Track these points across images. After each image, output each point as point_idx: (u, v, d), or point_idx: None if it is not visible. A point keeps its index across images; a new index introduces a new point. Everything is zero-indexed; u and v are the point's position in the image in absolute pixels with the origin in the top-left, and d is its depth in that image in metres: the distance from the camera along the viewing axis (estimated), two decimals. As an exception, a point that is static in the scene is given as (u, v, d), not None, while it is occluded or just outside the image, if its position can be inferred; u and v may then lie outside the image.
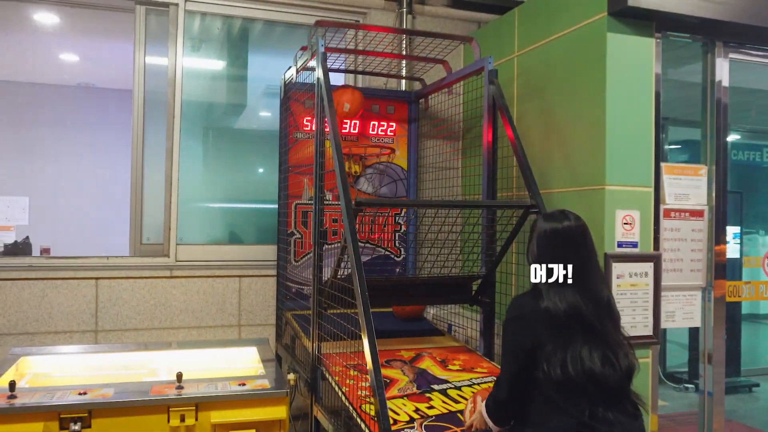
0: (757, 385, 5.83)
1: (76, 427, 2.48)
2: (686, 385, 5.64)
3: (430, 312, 4.01)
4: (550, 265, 2.06)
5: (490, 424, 2.20)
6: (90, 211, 6.71)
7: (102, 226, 6.35)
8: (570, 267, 2.04)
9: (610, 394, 2.00)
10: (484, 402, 2.25)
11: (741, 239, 5.94)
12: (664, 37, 3.29)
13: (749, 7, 3.27)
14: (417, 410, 2.54)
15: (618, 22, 3.10)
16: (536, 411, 2.02)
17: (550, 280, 2.04)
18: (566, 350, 1.97)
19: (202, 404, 2.62)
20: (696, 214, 3.32)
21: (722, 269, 3.47)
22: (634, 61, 3.14)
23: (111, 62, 6.02)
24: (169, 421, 2.58)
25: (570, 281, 2.03)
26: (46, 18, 4.80)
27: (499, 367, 2.28)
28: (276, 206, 4.08)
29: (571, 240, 2.09)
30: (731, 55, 3.50)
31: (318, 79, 3.03)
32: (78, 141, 6.83)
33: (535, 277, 2.08)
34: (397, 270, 4.17)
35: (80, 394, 2.58)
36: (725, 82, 3.49)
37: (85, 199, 6.77)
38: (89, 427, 2.51)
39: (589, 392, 1.97)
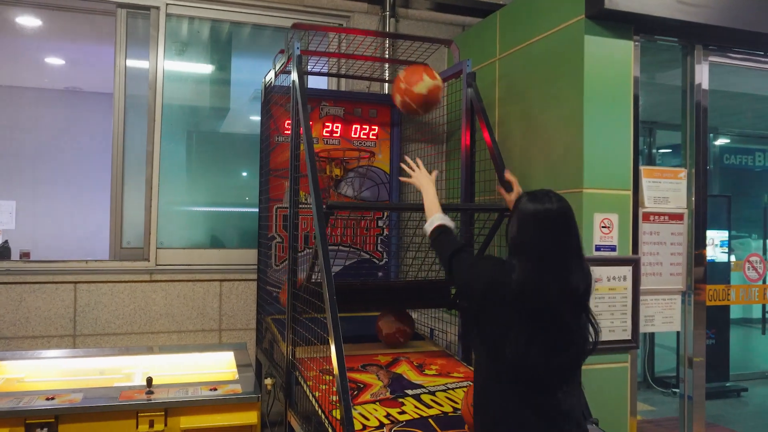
0: (746, 390, 5.80)
1: (43, 433, 2.47)
2: (674, 389, 5.62)
3: (413, 316, 3.98)
4: (527, 248, 1.97)
5: (426, 234, 2.33)
6: (72, 215, 6.68)
7: (83, 231, 6.32)
8: (547, 251, 1.95)
9: (567, 378, 1.98)
10: (436, 223, 2.35)
11: (729, 244, 5.93)
12: (643, 40, 3.28)
13: (728, 11, 3.26)
14: (388, 415, 2.51)
15: (596, 25, 3.09)
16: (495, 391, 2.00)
17: (526, 263, 1.95)
18: (533, 337, 1.90)
19: (171, 409, 2.60)
20: (675, 217, 3.30)
21: (703, 273, 3.45)
22: (612, 64, 3.13)
23: (98, 66, 6.00)
24: (137, 427, 2.56)
25: (546, 266, 1.94)
26: (29, 21, 4.78)
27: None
28: (257, 210, 4.06)
29: (553, 222, 1.98)
30: (711, 58, 3.49)
31: (293, 81, 3.01)
32: (64, 145, 6.81)
33: (512, 258, 2.00)
34: (379, 274, 4.15)
35: (48, 399, 2.56)
36: (705, 85, 3.48)
37: (67, 203, 6.74)
38: (56, 432, 2.49)
39: (541, 383, 1.94)
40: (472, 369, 3.10)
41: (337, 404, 2.43)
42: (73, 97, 6.90)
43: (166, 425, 2.58)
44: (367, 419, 2.46)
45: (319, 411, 2.51)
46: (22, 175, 6.72)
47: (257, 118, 4.22)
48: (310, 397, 2.66)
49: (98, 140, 6.46)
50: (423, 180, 2.59)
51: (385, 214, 4.13)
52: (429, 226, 2.38)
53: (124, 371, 3.27)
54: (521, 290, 1.92)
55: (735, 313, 7.11)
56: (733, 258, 5.94)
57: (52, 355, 3.37)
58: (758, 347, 7.28)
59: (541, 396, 1.94)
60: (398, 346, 3.38)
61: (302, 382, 2.82)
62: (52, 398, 2.56)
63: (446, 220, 2.38)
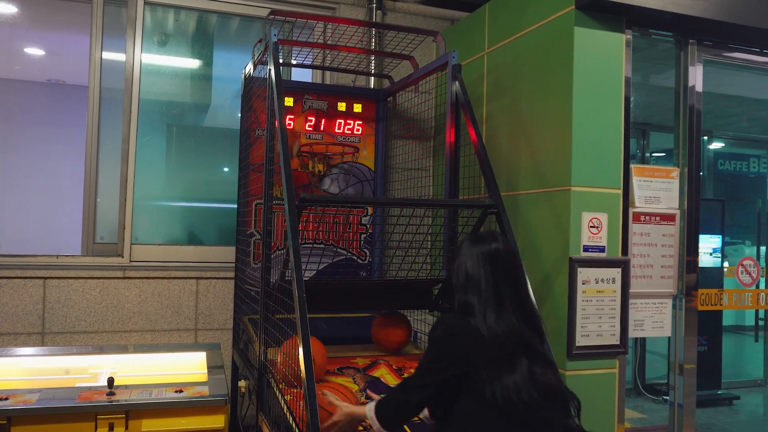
0: (738, 398, 5.68)
1: (-6, 436, 2.32)
2: (665, 397, 5.50)
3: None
4: (482, 288, 1.98)
5: (379, 428, 2.07)
6: (42, 208, 6.52)
7: (54, 225, 6.16)
8: (503, 290, 1.99)
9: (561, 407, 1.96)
10: (372, 405, 2.12)
11: (722, 249, 5.83)
12: (635, 34, 3.16)
13: (724, 5, 3.15)
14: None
15: (586, 17, 2.97)
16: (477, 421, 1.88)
17: (484, 303, 1.95)
18: (513, 373, 1.86)
19: (133, 412, 2.46)
20: (667, 218, 3.18)
21: (695, 276, 3.33)
22: (603, 57, 3.00)
23: (80, 58, 5.85)
24: (96, 430, 2.42)
25: (503, 307, 1.97)
26: (6, 8, 4.63)
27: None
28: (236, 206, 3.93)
29: (502, 262, 2.03)
30: (705, 55, 3.38)
31: (269, 71, 2.88)
32: (32, 136, 6.65)
33: (465, 299, 2.00)
34: (362, 273, 4.02)
35: (1, 399, 2.41)
36: (699, 87, 3.36)
37: (37, 196, 6.58)
38: (8, 435, 2.35)
39: (544, 410, 1.90)
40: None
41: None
42: (55, 89, 6.75)
43: (127, 428, 2.44)
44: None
45: (289, 417, 2.38)
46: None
47: (234, 112, 4.10)
48: (281, 401, 2.52)
49: (73, 132, 6.32)
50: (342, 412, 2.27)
51: (369, 211, 4.00)
52: (372, 417, 2.13)
53: (90, 371, 3.13)
54: (490, 329, 1.92)
55: (727, 320, 7.01)
56: (726, 264, 5.83)
57: (16, 353, 3.22)
58: (751, 355, 7.17)
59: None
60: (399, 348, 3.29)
61: (273, 386, 2.68)
62: (6, 398, 2.41)
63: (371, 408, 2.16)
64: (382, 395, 2.22)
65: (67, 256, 3.75)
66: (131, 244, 3.85)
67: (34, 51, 5.79)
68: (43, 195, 6.54)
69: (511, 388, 1.84)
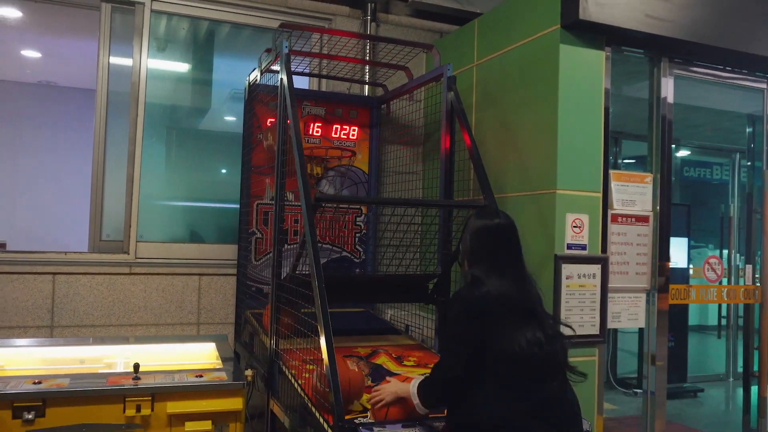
0: (702, 390, 6.06)
1: (30, 416, 2.48)
2: (635, 390, 5.84)
3: (389, 312, 4.09)
4: (485, 259, 2.21)
5: (419, 405, 2.27)
6: (49, 206, 6.63)
7: (61, 223, 6.28)
8: (504, 261, 2.21)
9: (557, 372, 2.16)
10: (416, 382, 2.31)
11: (688, 250, 6.20)
12: (614, 52, 3.46)
13: (693, 26, 3.47)
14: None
15: (570, 35, 3.26)
16: (485, 394, 2.11)
17: (487, 272, 2.18)
18: (520, 329, 2.10)
19: (158, 395, 2.65)
20: (641, 219, 3.48)
21: (666, 272, 3.62)
22: (585, 72, 3.30)
23: (74, 61, 5.97)
24: (125, 411, 2.60)
25: (506, 274, 2.19)
26: (8, 12, 4.76)
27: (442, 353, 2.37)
28: (238, 206, 4.12)
29: (503, 236, 2.26)
30: (676, 71, 3.69)
31: (281, 80, 3.10)
32: (38, 138, 6.75)
33: (472, 271, 2.22)
34: (357, 271, 4.24)
35: (35, 383, 2.58)
36: (670, 99, 3.67)
37: (44, 194, 6.68)
38: (43, 416, 2.51)
39: (541, 372, 2.11)
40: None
41: (323, 389, 2.52)
42: (47, 91, 6.84)
43: (152, 410, 2.63)
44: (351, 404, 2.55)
45: (305, 398, 2.59)
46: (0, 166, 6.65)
47: (234, 116, 4.29)
48: (295, 385, 2.73)
49: (77, 134, 6.44)
50: (390, 389, 2.43)
51: (364, 211, 4.24)
52: (414, 393, 2.32)
53: (104, 361, 3.30)
54: (497, 293, 2.13)
55: (692, 320, 7.39)
56: (691, 266, 6.23)
57: (30, 343, 3.37)
58: (714, 351, 7.58)
59: (528, 391, 2.09)
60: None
61: (285, 371, 2.89)
62: (39, 382, 2.58)
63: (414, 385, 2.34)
64: (425, 375, 2.38)
65: (75, 252, 3.91)
66: (137, 241, 4.02)
67: (31, 53, 5.89)
68: (52, 194, 6.65)
69: (528, 341, 2.06)
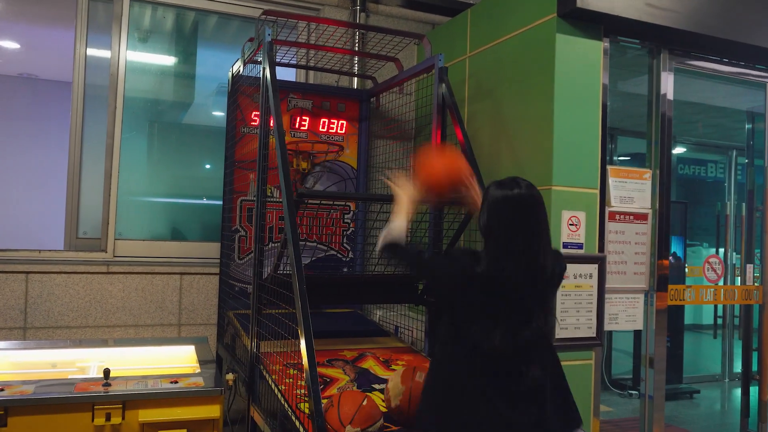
0: (698, 392, 5.94)
1: (-9, 426, 2.34)
2: (630, 391, 5.72)
3: (377, 313, 3.95)
4: (496, 234, 2.00)
5: (379, 243, 2.18)
6: (23, 202, 6.43)
7: (35, 219, 6.09)
8: (516, 236, 1.98)
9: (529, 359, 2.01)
10: (396, 225, 2.20)
11: (684, 248, 6.08)
12: (612, 42, 3.32)
13: (695, 16, 3.33)
14: (355, 409, 2.46)
15: (567, 24, 3.12)
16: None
17: (494, 248, 1.99)
18: (500, 325, 1.96)
19: (129, 402, 2.49)
20: (640, 217, 3.35)
21: (665, 273, 3.50)
22: (582, 63, 3.15)
23: (56, 53, 5.79)
24: (93, 420, 2.45)
25: (514, 251, 1.97)
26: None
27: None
28: (221, 203, 3.97)
29: (520, 208, 2.00)
30: (676, 64, 3.56)
31: (263, 69, 2.94)
32: (15, 132, 6.55)
33: (485, 245, 2.03)
34: (345, 270, 4.10)
35: (-3, 390, 2.42)
36: (670, 95, 3.53)
37: (17, 190, 6.48)
38: (5, 426, 2.35)
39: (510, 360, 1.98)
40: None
41: (303, 397, 2.38)
42: (27, 84, 6.65)
43: (123, 419, 2.47)
44: (335, 412, 2.40)
45: (285, 405, 2.45)
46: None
47: (218, 110, 4.13)
48: (276, 391, 2.59)
49: (55, 126, 6.26)
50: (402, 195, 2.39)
51: (352, 208, 4.09)
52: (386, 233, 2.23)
53: (78, 364, 3.14)
54: (489, 273, 1.95)
55: (687, 319, 7.29)
56: (687, 264, 6.10)
57: (1, 347, 3.21)
58: (709, 352, 7.48)
59: (497, 378, 1.96)
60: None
61: (267, 376, 2.75)
62: (1, 390, 2.43)
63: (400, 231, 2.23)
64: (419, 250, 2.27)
65: (50, 251, 3.75)
66: (115, 239, 3.86)
67: (9, 44, 5.71)
68: (25, 189, 6.45)
69: (497, 339, 1.92)
